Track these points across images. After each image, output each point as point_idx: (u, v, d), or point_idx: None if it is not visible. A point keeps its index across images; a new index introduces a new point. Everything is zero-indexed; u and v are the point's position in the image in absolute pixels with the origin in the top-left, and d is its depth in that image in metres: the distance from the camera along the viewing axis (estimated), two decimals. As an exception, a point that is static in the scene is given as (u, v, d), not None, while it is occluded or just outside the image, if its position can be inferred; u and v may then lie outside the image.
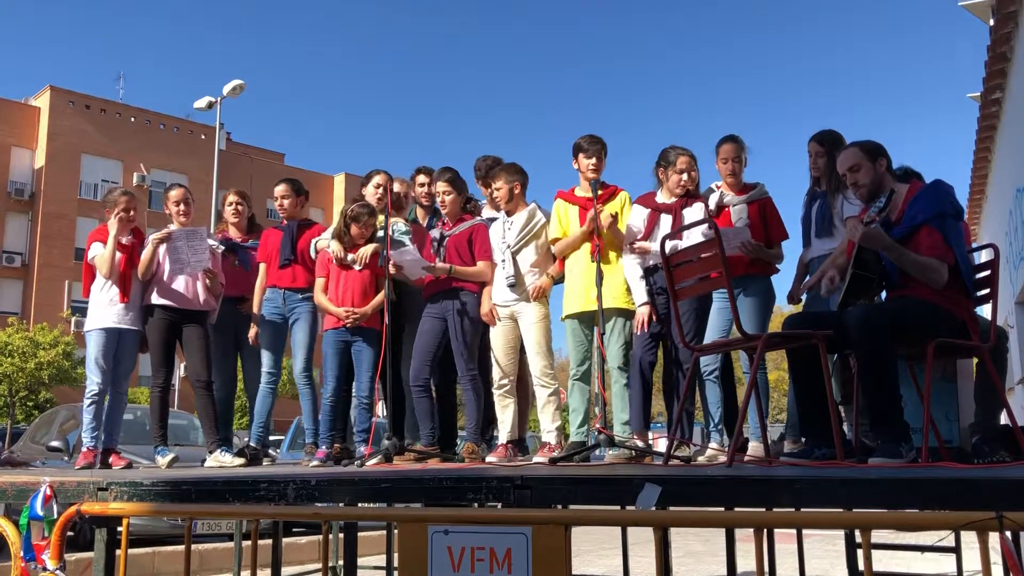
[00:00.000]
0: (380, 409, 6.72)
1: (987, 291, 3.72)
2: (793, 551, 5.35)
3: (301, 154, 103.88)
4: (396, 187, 5.54)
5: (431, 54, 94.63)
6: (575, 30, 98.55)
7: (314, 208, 39.89)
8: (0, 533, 3.19)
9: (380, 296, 4.94)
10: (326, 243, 5.26)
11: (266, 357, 5.45)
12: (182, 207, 5.36)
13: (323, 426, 5.07)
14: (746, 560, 4.63)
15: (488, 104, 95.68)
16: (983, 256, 4.49)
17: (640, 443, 4.40)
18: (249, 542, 3.17)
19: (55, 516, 3.09)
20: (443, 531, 2.40)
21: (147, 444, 6.48)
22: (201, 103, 21.17)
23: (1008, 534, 1.83)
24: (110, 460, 5.11)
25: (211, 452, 5.14)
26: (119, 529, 3.07)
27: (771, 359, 11.15)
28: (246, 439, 5.65)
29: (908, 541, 5.05)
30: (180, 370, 14.58)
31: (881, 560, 5.90)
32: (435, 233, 5.10)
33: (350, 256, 5.11)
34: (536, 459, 4.49)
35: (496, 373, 4.84)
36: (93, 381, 5.09)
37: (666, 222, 4.62)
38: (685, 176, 4.62)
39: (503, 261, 4.84)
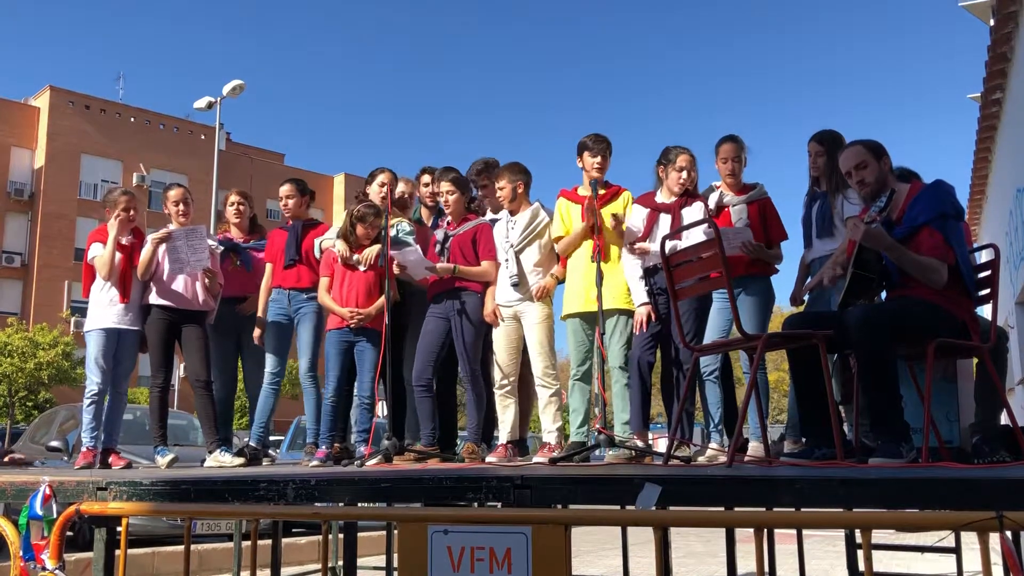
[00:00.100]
0: (380, 409, 6.72)
1: (987, 291, 3.72)
2: (793, 551, 5.35)
3: (301, 154, 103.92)
4: (401, 187, 5.53)
5: (431, 54, 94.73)
6: (575, 30, 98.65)
7: (314, 208, 39.80)
8: (-1, 533, 3.19)
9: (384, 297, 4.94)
10: (330, 242, 5.25)
11: (270, 358, 5.43)
12: (181, 207, 5.36)
13: (324, 426, 5.06)
14: (746, 560, 4.63)
15: (488, 104, 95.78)
16: (983, 256, 4.48)
17: (640, 443, 4.39)
18: (249, 542, 3.16)
19: (54, 516, 3.09)
20: (443, 531, 2.40)
21: (147, 444, 6.47)
22: (201, 103, 21.17)
23: (1008, 534, 1.83)
24: (110, 460, 5.10)
25: (211, 452, 5.13)
26: (118, 529, 3.06)
27: (771, 359, 11.16)
28: (246, 439, 5.64)
29: (908, 541, 5.04)
30: (180, 370, 14.57)
31: (881, 560, 5.90)
32: (439, 233, 5.10)
33: (355, 256, 5.11)
34: (536, 459, 4.49)
35: (497, 373, 4.84)
36: (93, 381, 5.08)
37: (665, 222, 4.62)
38: (684, 175, 4.62)
39: (506, 261, 4.84)
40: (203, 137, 41.52)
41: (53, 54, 77.82)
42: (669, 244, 3.84)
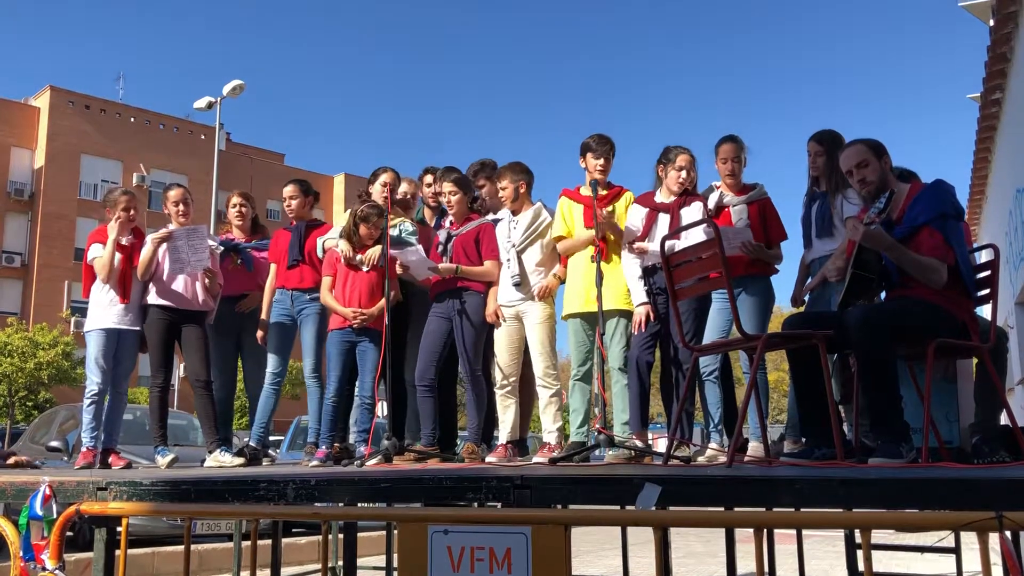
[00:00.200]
0: (380, 409, 6.72)
1: (987, 291, 3.72)
2: (793, 551, 5.36)
3: (301, 154, 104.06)
4: (404, 187, 5.53)
5: (431, 54, 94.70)
6: (575, 30, 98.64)
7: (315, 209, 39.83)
8: (-1, 533, 3.19)
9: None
10: (333, 242, 5.25)
11: (272, 358, 5.43)
12: (181, 207, 5.36)
13: (324, 426, 5.06)
14: (746, 560, 4.63)
15: (488, 104, 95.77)
16: (983, 256, 4.48)
17: (639, 443, 4.39)
18: (249, 542, 3.16)
19: (54, 516, 3.09)
20: (443, 531, 2.40)
21: (147, 444, 6.47)
22: (201, 103, 21.16)
23: (1008, 534, 1.83)
24: (110, 460, 5.10)
25: (210, 452, 5.13)
26: (118, 529, 3.06)
27: (771, 359, 11.14)
28: (246, 439, 5.64)
29: (908, 542, 5.05)
30: (180, 370, 14.57)
31: (881, 560, 5.90)
32: (442, 233, 5.10)
33: (358, 256, 5.11)
34: (536, 459, 4.49)
35: (498, 374, 4.84)
36: (93, 381, 5.08)
37: (664, 222, 4.61)
38: (684, 174, 4.62)
39: (508, 260, 4.84)
40: (203, 137, 41.51)
41: (53, 54, 77.92)
42: (668, 244, 3.83)
